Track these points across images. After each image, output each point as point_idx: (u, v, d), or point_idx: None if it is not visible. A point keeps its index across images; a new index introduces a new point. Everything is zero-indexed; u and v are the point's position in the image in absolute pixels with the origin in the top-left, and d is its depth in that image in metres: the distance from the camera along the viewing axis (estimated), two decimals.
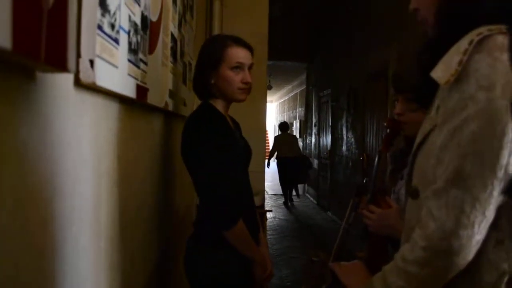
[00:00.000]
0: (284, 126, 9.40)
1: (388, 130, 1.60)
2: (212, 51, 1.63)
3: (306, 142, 11.33)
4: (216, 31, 3.62)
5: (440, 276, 0.89)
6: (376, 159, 1.61)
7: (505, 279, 0.87)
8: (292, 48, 8.87)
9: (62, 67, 0.59)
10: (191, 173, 1.63)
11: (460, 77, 0.87)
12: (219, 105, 1.67)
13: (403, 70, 1.63)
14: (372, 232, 1.49)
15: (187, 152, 1.62)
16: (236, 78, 1.61)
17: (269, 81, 8.84)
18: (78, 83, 0.72)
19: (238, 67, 1.61)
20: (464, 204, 0.85)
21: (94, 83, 0.74)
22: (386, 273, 0.98)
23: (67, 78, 0.71)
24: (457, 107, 0.87)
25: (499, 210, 0.87)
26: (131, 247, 1.22)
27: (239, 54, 1.62)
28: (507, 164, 0.84)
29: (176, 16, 1.67)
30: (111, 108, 0.97)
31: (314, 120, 10.03)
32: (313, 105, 10.05)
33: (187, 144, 1.61)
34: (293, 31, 7.84)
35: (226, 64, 1.60)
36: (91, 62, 0.72)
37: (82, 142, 0.81)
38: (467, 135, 0.85)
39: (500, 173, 0.84)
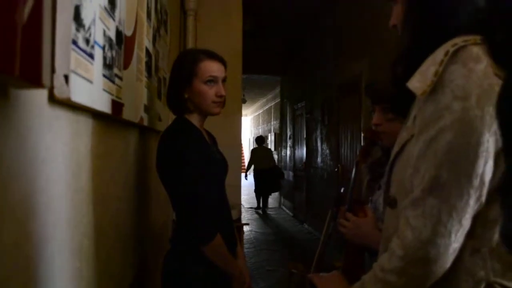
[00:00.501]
0: (260, 140, 10.06)
1: (365, 141, 1.62)
2: (185, 66, 1.62)
3: (281, 155, 11.37)
4: (190, 45, 3.62)
5: (418, 284, 0.90)
6: (354, 169, 1.63)
7: (482, 286, 0.88)
8: (266, 61, 8.94)
9: (36, 82, 0.58)
10: (167, 188, 1.62)
11: (436, 87, 0.89)
12: (194, 119, 1.66)
13: (379, 81, 1.65)
14: (349, 241, 1.50)
15: (163, 168, 1.60)
16: (210, 92, 1.61)
17: (244, 95, 8.88)
18: (52, 99, 0.71)
19: (212, 80, 1.61)
20: (441, 213, 0.86)
21: (69, 99, 0.72)
22: (365, 283, 0.99)
23: (41, 94, 0.69)
24: (433, 117, 0.89)
25: (475, 219, 0.88)
26: (108, 265, 1.19)
27: (212, 67, 1.62)
28: (483, 173, 0.85)
29: (151, 31, 1.66)
30: (86, 124, 0.95)
31: (289, 133, 10.09)
32: (288, 117, 10.11)
33: (162, 160, 1.59)
34: (266, 44, 7.91)
35: (199, 78, 1.60)
36: (66, 78, 0.71)
37: (57, 159, 0.79)
38: (443, 145, 0.86)
39: (476, 182, 0.85)
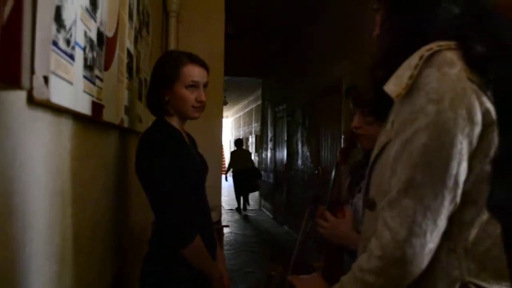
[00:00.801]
0: (239, 142, 10.43)
1: (345, 142, 1.64)
2: (167, 69, 1.61)
3: (262, 157, 11.38)
4: (172, 47, 3.61)
5: (395, 284, 0.92)
6: (334, 170, 1.65)
7: (457, 286, 0.90)
8: (248, 64, 8.95)
9: (15, 83, 0.58)
10: (146, 191, 1.60)
11: (412, 90, 0.91)
12: (174, 121, 1.66)
13: (360, 84, 1.68)
14: (327, 241, 1.51)
15: (142, 170, 1.59)
16: (191, 97, 1.61)
17: (225, 97, 8.87)
18: (31, 100, 0.70)
19: (193, 85, 1.60)
20: (416, 214, 0.88)
21: (48, 100, 0.72)
22: (344, 283, 1.00)
23: (20, 95, 0.69)
24: (408, 120, 0.91)
25: (451, 220, 0.90)
26: (86, 268, 1.18)
27: (194, 72, 1.62)
28: (457, 174, 0.88)
29: (132, 32, 1.65)
30: (66, 126, 0.94)
31: (270, 135, 10.11)
32: (269, 120, 10.13)
33: (141, 162, 1.58)
34: (248, 47, 7.92)
35: (181, 83, 1.60)
36: (46, 79, 0.70)
37: (35, 161, 0.78)
38: (418, 146, 0.88)
39: (450, 183, 0.87)
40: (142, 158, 1.58)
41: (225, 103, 10.70)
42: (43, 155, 0.83)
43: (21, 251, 0.73)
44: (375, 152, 1.03)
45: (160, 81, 1.62)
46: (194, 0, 3.78)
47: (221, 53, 3.80)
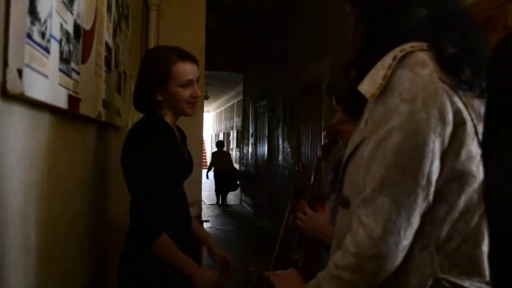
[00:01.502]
0: (220, 144, 11.06)
1: (326, 138, 1.66)
2: (157, 68, 1.59)
3: (243, 152, 11.39)
4: (152, 40, 3.58)
5: (370, 281, 0.93)
6: (315, 165, 1.67)
7: (430, 282, 0.92)
8: (229, 58, 8.93)
9: None
10: (127, 183, 1.60)
11: (385, 90, 0.92)
12: (167, 117, 1.66)
13: (342, 81, 1.70)
14: (307, 235, 1.53)
15: (126, 162, 1.59)
16: (185, 94, 1.60)
17: (206, 91, 8.83)
18: (5, 93, 0.69)
19: (187, 84, 1.60)
20: (390, 211, 0.89)
21: (22, 94, 0.71)
22: (320, 280, 1.01)
23: None
24: (382, 119, 0.93)
25: (424, 217, 0.92)
26: (63, 263, 1.17)
27: (186, 70, 1.60)
28: (429, 172, 0.90)
29: (111, 25, 1.63)
30: (41, 119, 0.93)
31: (251, 130, 10.12)
32: (250, 115, 10.14)
33: (127, 154, 1.58)
34: (229, 42, 7.90)
35: (174, 82, 1.58)
36: (19, 72, 0.69)
37: (9, 155, 0.77)
38: (391, 146, 0.90)
39: (423, 181, 0.89)
40: (128, 150, 1.58)
41: (207, 98, 10.67)
42: (18, 148, 0.82)
43: None
44: (348, 150, 1.05)
45: (151, 81, 1.60)
46: None
47: (202, 47, 3.78)
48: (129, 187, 1.60)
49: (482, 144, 0.69)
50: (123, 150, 1.61)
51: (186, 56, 1.62)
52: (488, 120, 0.63)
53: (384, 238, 0.89)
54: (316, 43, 5.33)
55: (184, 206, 1.74)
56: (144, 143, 1.55)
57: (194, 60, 1.65)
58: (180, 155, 1.67)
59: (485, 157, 0.64)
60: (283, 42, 7.02)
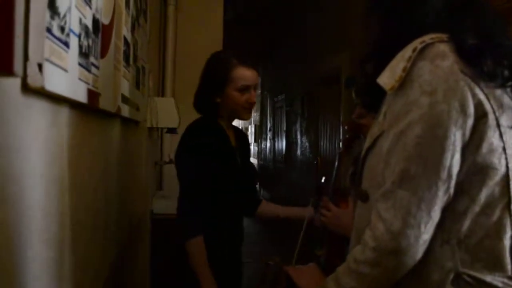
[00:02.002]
0: None
1: (348, 133, 1.65)
2: (218, 72, 1.66)
3: (261, 147, 11.39)
4: (170, 35, 3.59)
5: (390, 275, 0.92)
6: (336, 161, 1.65)
7: (451, 277, 0.91)
8: (246, 53, 8.90)
9: (8, 71, 0.57)
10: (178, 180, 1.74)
11: (405, 83, 0.91)
12: (223, 120, 1.74)
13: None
14: (330, 231, 1.53)
15: (176, 160, 1.74)
16: (242, 99, 1.67)
17: None
18: (26, 87, 0.70)
19: (245, 88, 1.65)
20: (410, 205, 0.88)
21: (42, 88, 0.71)
22: (339, 274, 1.01)
23: (14, 83, 0.68)
24: (402, 112, 0.91)
25: (444, 211, 0.91)
26: (84, 257, 1.18)
27: (245, 75, 1.67)
28: (450, 166, 0.88)
29: (129, 20, 1.64)
30: (61, 114, 0.94)
31: (269, 125, 10.11)
32: (268, 110, 10.12)
33: (178, 153, 1.72)
34: (247, 36, 7.89)
35: (232, 86, 1.65)
36: (40, 66, 0.69)
37: (30, 149, 0.78)
38: (412, 138, 0.89)
39: (444, 175, 0.88)
40: (180, 150, 1.70)
41: None
42: (39, 142, 0.82)
43: (17, 238, 0.73)
44: (367, 144, 1.04)
45: (211, 84, 1.68)
46: None
47: (220, 41, 3.79)
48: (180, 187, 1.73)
49: None
50: (177, 149, 1.74)
51: (246, 62, 1.69)
52: None
53: (404, 232, 0.88)
54: (334, 36, 5.28)
55: (234, 217, 1.79)
56: (194, 145, 1.65)
57: (254, 67, 1.70)
58: (231, 160, 1.74)
59: None
60: (301, 36, 6.97)
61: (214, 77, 1.68)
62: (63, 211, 0.99)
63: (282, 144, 8.63)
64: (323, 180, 1.72)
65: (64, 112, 0.96)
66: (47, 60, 0.72)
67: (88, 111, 1.14)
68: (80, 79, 0.93)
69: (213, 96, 1.68)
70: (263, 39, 8.48)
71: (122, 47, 1.48)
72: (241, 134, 1.91)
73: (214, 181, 1.65)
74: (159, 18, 3.46)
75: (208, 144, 1.66)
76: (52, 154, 0.90)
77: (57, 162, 0.94)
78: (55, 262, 0.95)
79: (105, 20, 1.17)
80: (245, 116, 1.74)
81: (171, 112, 2.92)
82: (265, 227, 7.35)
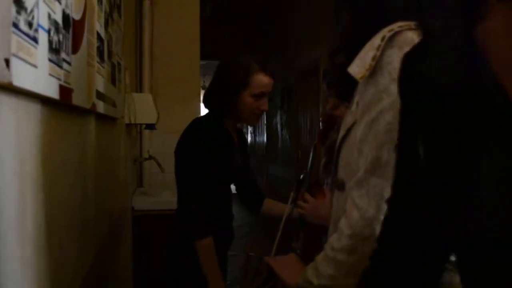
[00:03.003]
0: None
1: (322, 124, 1.67)
2: (238, 75, 1.65)
3: None
4: (146, 31, 3.56)
5: (366, 262, 0.94)
6: (312, 152, 1.67)
7: None
8: (226, 48, 8.89)
9: None
10: (177, 176, 1.72)
11: (375, 71, 0.92)
12: (228, 121, 1.74)
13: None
14: (307, 222, 1.54)
15: (179, 159, 1.71)
16: (255, 105, 1.66)
17: (203, 81, 8.81)
18: None
19: (260, 95, 1.65)
20: (384, 191, 0.90)
21: (10, 83, 0.71)
22: (318, 263, 1.02)
23: None
24: (373, 100, 0.92)
25: None
26: (61, 254, 1.17)
27: (264, 82, 1.66)
28: None
29: (102, 15, 1.62)
30: (33, 110, 0.93)
31: None
32: None
33: (180, 151, 1.69)
34: (226, 31, 7.86)
35: (249, 91, 1.64)
36: (7, 61, 0.69)
37: (1, 147, 0.77)
38: (383, 125, 0.90)
39: None
40: (184, 147, 1.68)
41: (204, 88, 10.66)
42: (10, 139, 0.81)
43: None
44: (341, 133, 1.05)
45: (228, 86, 1.66)
46: None
47: (197, 37, 3.77)
48: (178, 185, 1.72)
49: None
50: (177, 148, 1.71)
51: (266, 68, 1.68)
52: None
53: (378, 218, 0.90)
54: (313, 30, 5.30)
55: (229, 204, 1.84)
56: (200, 145, 1.64)
57: (272, 74, 1.70)
58: (232, 159, 1.75)
59: None
60: (280, 30, 6.98)
61: (233, 80, 1.66)
62: (38, 209, 0.98)
63: (263, 137, 8.64)
64: (301, 177, 1.74)
65: (36, 109, 0.95)
66: (15, 55, 0.72)
67: (61, 107, 1.13)
68: (51, 74, 0.92)
69: (226, 97, 1.67)
70: (241, 33, 8.45)
71: (95, 43, 1.46)
72: (242, 136, 1.91)
73: (217, 179, 1.67)
74: (134, 13, 3.42)
75: (216, 139, 1.67)
76: (24, 151, 0.89)
77: (31, 159, 0.93)
78: (30, 260, 0.94)
79: (76, 16, 1.16)
80: (253, 122, 1.74)
81: (149, 108, 2.90)
82: (253, 219, 7.36)
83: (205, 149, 1.63)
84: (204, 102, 1.77)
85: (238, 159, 1.82)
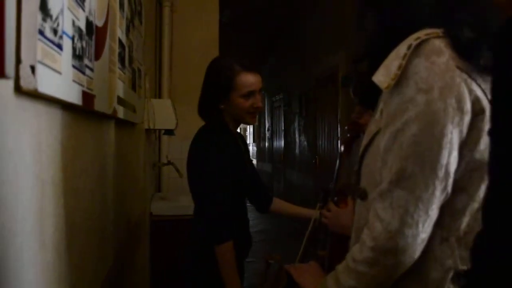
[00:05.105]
0: None
1: (348, 133, 1.65)
2: (221, 79, 1.65)
3: (259, 147, 11.38)
4: (166, 37, 3.59)
5: (388, 274, 0.92)
6: (338, 161, 1.66)
7: (450, 274, 0.91)
8: (244, 53, 8.92)
9: None
10: (192, 184, 1.74)
11: (400, 80, 0.90)
12: (229, 125, 1.75)
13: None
14: (333, 231, 1.53)
15: (192, 167, 1.72)
16: (246, 104, 1.68)
17: None
18: (19, 90, 0.70)
19: (249, 94, 1.65)
20: (408, 204, 0.88)
21: (36, 90, 0.71)
22: (338, 273, 1.01)
23: (7, 85, 0.68)
24: (398, 110, 0.91)
25: (443, 209, 0.90)
26: (80, 259, 1.18)
27: (249, 81, 1.67)
28: (448, 164, 0.88)
29: (124, 22, 1.64)
30: (56, 116, 0.94)
31: (267, 125, 10.11)
32: (266, 110, 10.12)
33: (194, 159, 1.71)
34: (244, 36, 7.89)
35: (236, 92, 1.65)
36: (32, 68, 0.69)
37: (24, 151, 0.78)
38: (408, 137, 0.88)
39: (441, 173, 0.87)
40: (197, 156, 1.70)
41: None
42: (33, 144, 0.82)
43: (11, 241, 0.73)
44: (364, 142, 1.04)
45: (215, 91, 1.68)
46: None
47: (216, 42, 3.78)
48: (194, 191, 1.73)
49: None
50: (190, 155, 1.72)
51: (249, 67, 1.68)
52: None
53: (402, 232, 0.88)
54: (331, 35, 5.28)
55: (244, 208, 1.85)
56: (212, 149, 1.65)
57: (257, 71, 1.70)
58: (243, 162, 1.76)
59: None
60: (298, 35, 6.98)
61: (218, 85, 1.67)
62: (59, 213, 0.99)
63: (280, 143, 8.63)
64: (330, 185, 1.72)
65: (59, 115, 0.96)
66: (40, 62, 0.72)
67: (83, 113, 1.14)
68: (74, 81, 0.93)
69: (217, 103, 1.68)
70: (260, 39, 8.48)
71: (117, 49, 1.48)
72: (242, 138, 1.93)
73: (232, 181, 1.68)
74: (154, 19, 3.46)
75: (226, 144, 1.68)
76: (47, 156, 0.90)
77: (52, 164, 0.94)
78: (51, 264, 0.94)
79: (99, 22, 1.17)
80: (250, 121, 1.75)
81: (168, 114, 2.92)
82: (267, 225, 7.34)
83: (217, 154, 1.64)
84: (198, 113, 1.77)
85: (245, 162, 1.83)
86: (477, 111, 0.88)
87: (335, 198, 1.57)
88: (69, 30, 0.89)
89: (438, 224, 0.90)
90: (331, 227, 1.52)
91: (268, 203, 2.04)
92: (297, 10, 6.42)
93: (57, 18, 0.80)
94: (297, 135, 7.35)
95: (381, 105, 0.98)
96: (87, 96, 1.04)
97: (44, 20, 0.73)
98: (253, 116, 1.72)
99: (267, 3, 6.24)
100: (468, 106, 0.88)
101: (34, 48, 0.70)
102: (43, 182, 0.88)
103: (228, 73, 1.65)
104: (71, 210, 1.07)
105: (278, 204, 2.06)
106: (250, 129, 13.66)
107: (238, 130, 1.94)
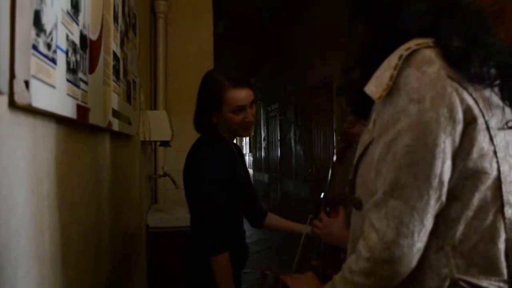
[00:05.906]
0: None
1: (341, 143, 1.66)
2: (211, 95, 1.67)
3: (256, 157, 11.38)
4: (161, 48, 3.60)
5: (384, 284, 0.92)
6: (330, 172, 1.66)
7: (447, 283, 0.91)
8: (239, 64, 8.95)
9: None
10: (187, 198, 1.73)
11: (392, 91, 0.91)
12: (224, 135, 1.76)
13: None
14: (325, 241, 1.53)
15: (189, 178, 1.72)
16: (237, 119, 1.68)
17: None
18: (13, 105, 0.70)
19: (239, 109, 1.66)
20: (403, 214, 0.88)
21: (30, 105, 0.72)
22: (335, 283, 1.00)
23: (0, 101, 0.68)
24: (391, 120, 0.91)
25: (438, 218, 0.90)
26: (77, 272, 1.18)
27: (238, 97, 1.67)
28: (441, 173, 0.88)
29: (118, 35, 1.65)
30: (50, 130, 0.94)
31: (263, 135, 10.12)
32: (261, 119, 10.14)
33: (190, 171, 1.71)
34: (239, 47, 7.92)
35: (227, 108, 1.65)
36: (26, 83, 0.70)
37: (19, 165, 0.78)
38: (402, 147, 0.89)
39: (435, 183, 0.88)
40: (193, 167, 1.70)
41: None
42: (28, 159, 0.82)
43: (6, 256, 0.73)
44: (358, 152, 1.04)
45: (207, 105, 1.69)
46: (182, 2, 3.77)
47: (210, 53, 3.80)
48: (190, 202, 1.73)
49: None
50: (186, 166, 1.72)
51: (238, 82, 1.68)
52: None
53: (397, 242, 0.88)
54: (325, 45, 5.32)
55: (240, 219, 1.85)
56: (208, 160, 1.66)
57: (247, 85, 1.71)
58: (238, 173, 1.76)
59: None
60: (292, 46, 7.01)
61: (209, 99, 1.68)
62: (54, 227, 0.99)
63: (276, 153, 8.63)
64: (322, 196, 1.72)
65: (54, 129, 0.96)
66: (34, 77, 0.73)
67: (78, 127, 1.14)
68: (68, 94, 0.94)
69: (210, 116, 1.69)
70: (254, 49, 8.51)
71: (111, 62, 1.48)
72: (238, 149, 1.93)
73: (228, 193, 1.68)
74: (149, 31, 3.47)
75: (222, 155, 1.68)
76: (42, 170, 0.90)
77: (47, 178, 0.94)
78: (46, 278, 0.94)
79: (93, 36, 1.18)
80: (243, 134, 1.76)
81: (163, 125, 2.92)
82: (264, 235, 7.31)
83: (213, 165, 1.65)
84: (194, 125, 1.78)
85: (241, 173, 1.83)
86: (468, 120, 0.89)
87: (327, 209, 1.57)
88: (63, 45, 0.89)
89: (433, 233, 0.90)
90: (323, 237, 1.52)
91: (263, 218, 2.03)
92: (291, 20, 6.46)
93: (50, 33, 0.80)
94: (293, 144, 7.36)
95: (374, 115, 0.99)
96: (81, 110, 1.04)
97: (38, 35, 0.74)
98: (245, 129, 1.72)
99: (261, 13, 6.28)
100: (460, 115, 0.88)
101: (28, 63, 0.71)
102: (38, 196, 0.88)
103: (218, 89, 1.65)
104: (67, 224, 1.07)
105: (272, 219, 2.05)
106: (246, 139, 13.67)
107: (234, 141, 1.94)
